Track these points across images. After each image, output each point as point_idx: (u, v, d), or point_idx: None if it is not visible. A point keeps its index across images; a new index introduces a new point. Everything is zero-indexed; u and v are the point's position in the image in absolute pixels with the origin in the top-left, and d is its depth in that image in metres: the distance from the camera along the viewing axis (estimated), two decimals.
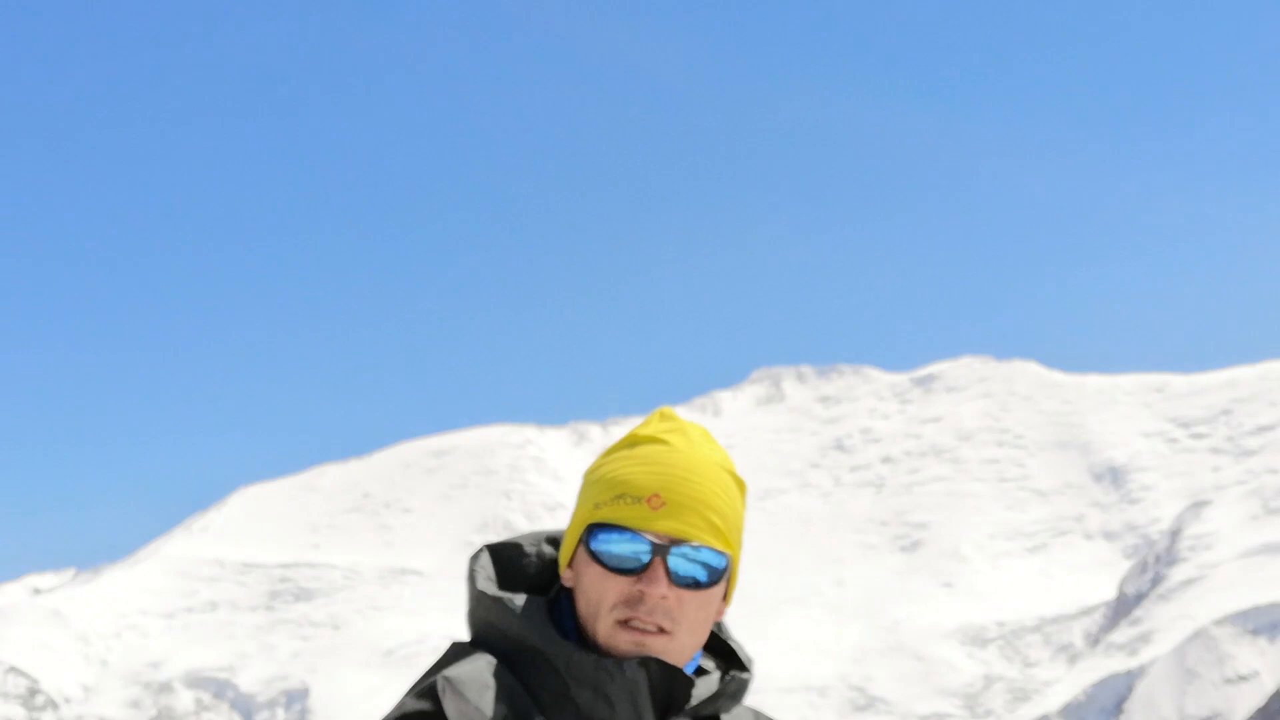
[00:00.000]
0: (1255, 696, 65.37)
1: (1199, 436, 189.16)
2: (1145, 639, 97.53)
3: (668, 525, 1.13)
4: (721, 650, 1.26)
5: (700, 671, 1.22)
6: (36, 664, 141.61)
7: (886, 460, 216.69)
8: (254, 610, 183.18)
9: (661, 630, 1.13)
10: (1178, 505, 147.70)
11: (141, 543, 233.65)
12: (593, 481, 1.18)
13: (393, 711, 1.09)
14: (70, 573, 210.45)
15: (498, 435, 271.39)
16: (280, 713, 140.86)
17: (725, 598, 1.21)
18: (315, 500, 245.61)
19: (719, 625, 1.26)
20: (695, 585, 1.14)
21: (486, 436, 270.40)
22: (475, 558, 1.21)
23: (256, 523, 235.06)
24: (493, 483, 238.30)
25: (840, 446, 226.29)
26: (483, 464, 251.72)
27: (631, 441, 1.18)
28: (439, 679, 1.09)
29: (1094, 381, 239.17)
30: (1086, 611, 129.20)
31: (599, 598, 1.14)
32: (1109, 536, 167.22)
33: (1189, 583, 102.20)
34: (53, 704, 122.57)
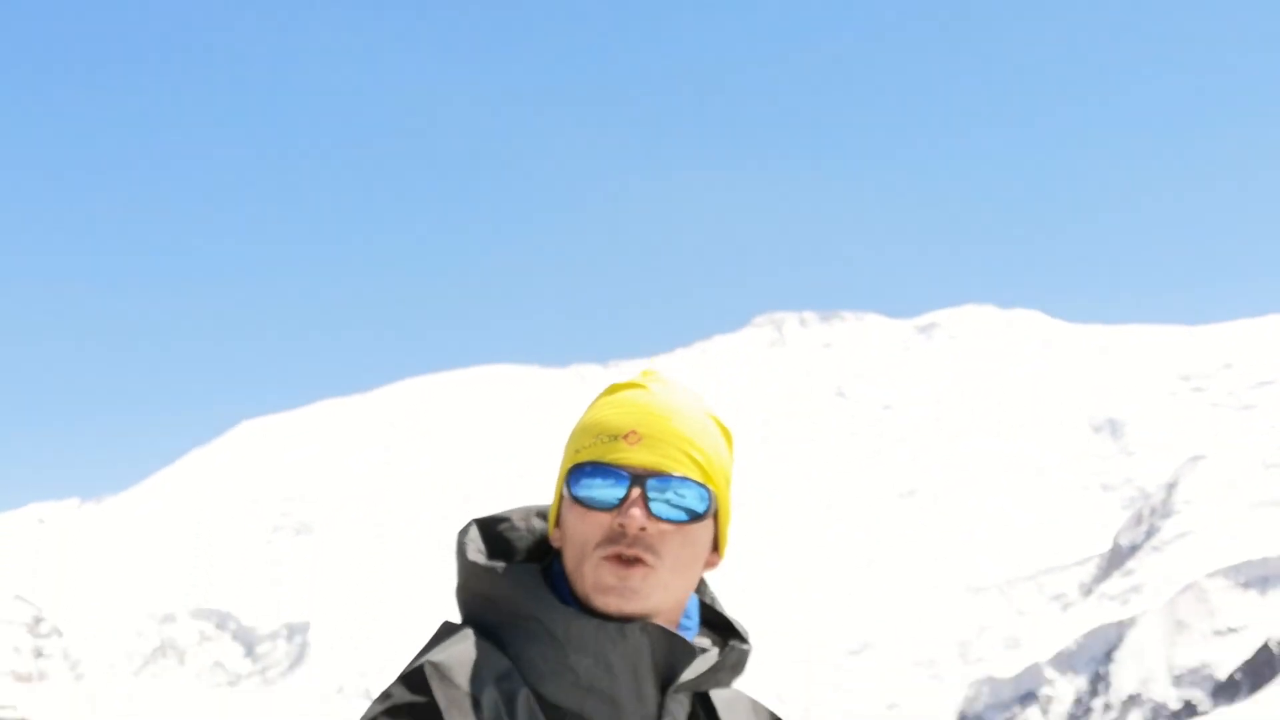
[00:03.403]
0: (1244, 649, 66.27)
1: (1199, 390, 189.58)
2: (1137, 590, 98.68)
3: (644, 458, 1.11)
4: (718, 624, 1.21)
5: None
6: (41, 592, 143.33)
7: (887, 407, 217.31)
8: (256, 543, 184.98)
9: (643, 563, 1.10)
10: (1175, 458, 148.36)
11: (145, 474, 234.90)
12: (574, 433, 1.17)
13: (378, 704, 1.04)
14: (74, 503, 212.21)
15: (499, 375, 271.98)
16: (282, 644, 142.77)
17: (717, 550, 1.18)
18: (318, 435, 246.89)
19: (712, 598, 1.22)
20: (677, 519, 1.12)
21: (488, 376, 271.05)
22: (464, 531, 1.19)
23: (259, 456, 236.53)
24: (494, 421, 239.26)
25: (841, 393, 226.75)
26: (484, 403, 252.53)
27: (611, 390, 1.18)
28: (426, 665, 1.06)
29: (1097, 332, 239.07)
30: (1081, 562, 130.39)
31: (582, 539, 1.12)
32: (1106, 488, 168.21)
33: (1183, 535, 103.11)
34: (58, 632, 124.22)
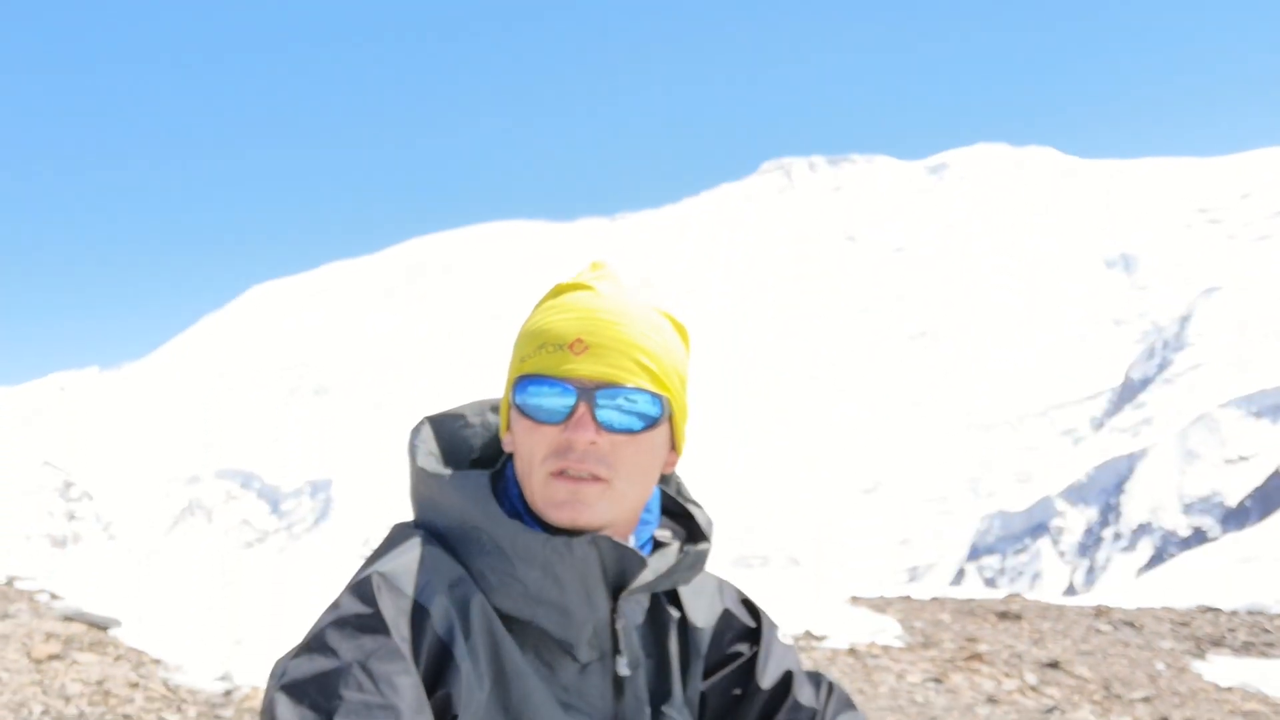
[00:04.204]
0: (1255, 476, 66.80)
1: (1215, 222, 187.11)
2: (1149, 422, 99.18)
3: (592, 369, 1.07)
4: (681, 513, 1.19)
5: (657, 545, 1.15)
6: (68, 458, 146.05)
7: (898, 250, 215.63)
8: (275, 405, 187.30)
9: (596, 478, 1.06)
10: (1189, 291, 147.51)
11: (160, 341, 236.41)
12: (519, 338, 1.12)
13: (328, 614, 1.01)
14: (94, 371, 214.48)
15: (507, 231, 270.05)
16: (306, 501, 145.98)
17: (675, 447, 1.13)
18: (328, 297, 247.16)
19: (678, 487, 1.20)
20: (630, 428, 1.07)
21: (496, 232, 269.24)
22: (415, 431, 1.15)
23: (272, 320, 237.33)
24: (503, 278, 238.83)
25: (851, 237, 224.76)
26: (493, 260, 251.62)
27: (556, 292, 1.12)
28: (374, 575, 1.02)
29: (1111, 167, 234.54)
30: (1092, 396, 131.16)
31: (530, 453, 1.08)
32: (1118, 323, 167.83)
33: (1195, 367, 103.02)
34: (88, 496, 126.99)
